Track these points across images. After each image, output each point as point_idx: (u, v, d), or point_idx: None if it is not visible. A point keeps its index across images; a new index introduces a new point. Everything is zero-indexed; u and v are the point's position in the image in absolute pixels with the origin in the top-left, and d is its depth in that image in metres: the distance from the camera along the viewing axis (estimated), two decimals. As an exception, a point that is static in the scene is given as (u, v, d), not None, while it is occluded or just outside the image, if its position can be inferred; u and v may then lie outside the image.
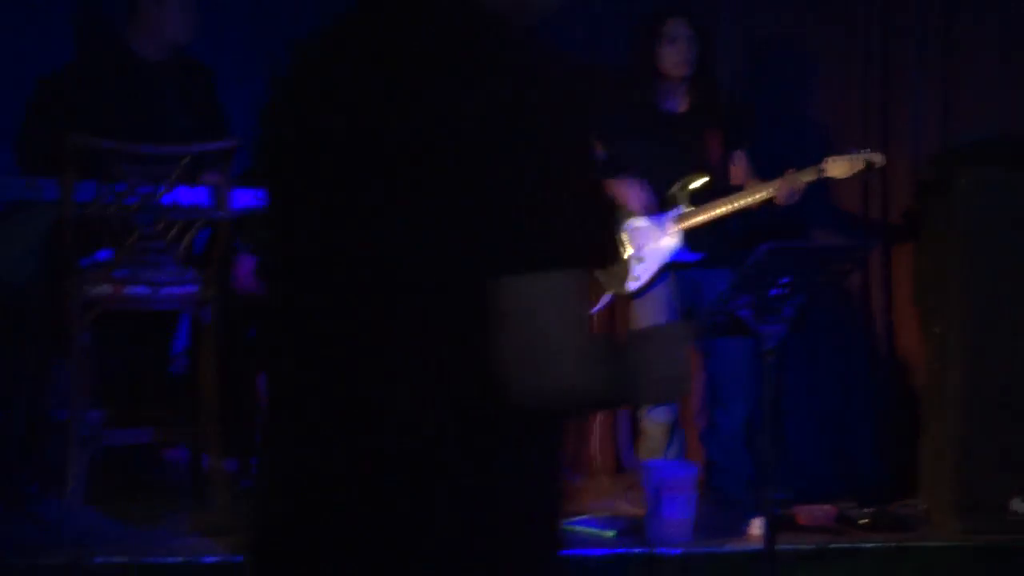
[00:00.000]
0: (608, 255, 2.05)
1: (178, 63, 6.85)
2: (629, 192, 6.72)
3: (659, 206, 6.78)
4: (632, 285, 6.82)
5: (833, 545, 6.21)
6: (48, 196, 5.98)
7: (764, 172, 6.83)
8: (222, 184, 6.12)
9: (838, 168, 6.57)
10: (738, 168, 6.90)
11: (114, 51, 6.83)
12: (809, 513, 6.53)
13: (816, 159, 6.66)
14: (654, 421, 6.91)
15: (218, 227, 6.18)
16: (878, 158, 6.67)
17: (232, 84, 7.18)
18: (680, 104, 6.88)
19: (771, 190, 6.59)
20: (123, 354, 6.90)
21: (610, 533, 6.28)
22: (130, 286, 6.08)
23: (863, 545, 6.26)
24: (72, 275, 6.01)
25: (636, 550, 6.11)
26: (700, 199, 6.73)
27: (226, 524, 6.07)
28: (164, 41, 6.76)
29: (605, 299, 7.02)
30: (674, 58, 6.76)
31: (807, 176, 6.56)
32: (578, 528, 6.31)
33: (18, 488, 6.52)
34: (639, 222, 6.79)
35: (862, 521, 6.52)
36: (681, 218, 6.75)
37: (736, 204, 6.68)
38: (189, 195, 6.10)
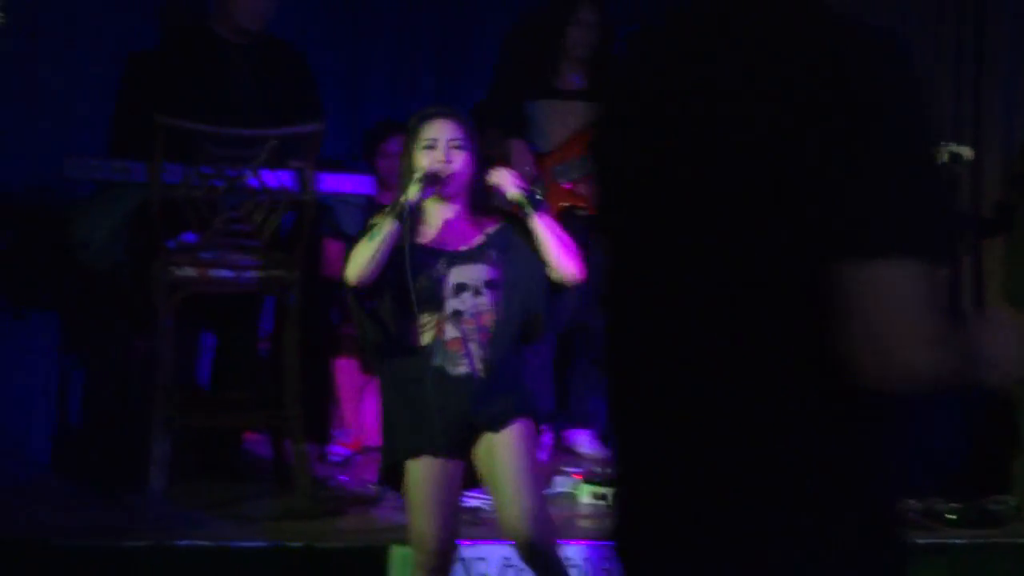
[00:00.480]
0: (950, 242, 2.04)
1: (265, 45, 6.82)
2: None
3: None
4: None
5: (920, 540, 6.04)
6: (136, 178, 5.99)
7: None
8: (308, 167, 6.08)
9: None
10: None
11: (199, 34, 6.81)
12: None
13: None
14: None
15: (303, 210, 6.14)
16: (966, 151, 6.58)
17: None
18: None
19: None
20: (207, 337, 6.87)
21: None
22: (215, 269, 6.06)
23: (951, 541, 6.14)
24: (158, 257, 5.99)
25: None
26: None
27: (307, 508, 6.06)
28: (246, 23, 6.73)
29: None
30: None
31: None
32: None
33: (103, 471, 6.50)
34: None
35: (950, 516, 6.36)
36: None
37: None
38: (275, 178, 6.06)
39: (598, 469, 7.03)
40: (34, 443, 6.69)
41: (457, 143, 4.87)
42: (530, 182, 4.90)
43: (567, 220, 7.09)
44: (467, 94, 7.99)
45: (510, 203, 5.00)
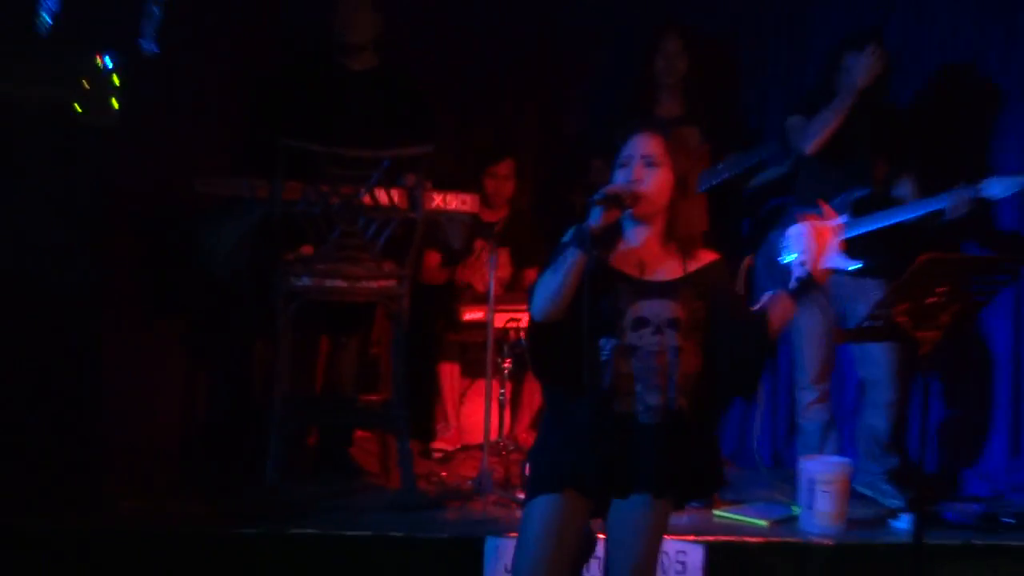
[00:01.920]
0: None
1: (381, 71, 7.02)
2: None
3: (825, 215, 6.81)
4: (793, 287, 6.87)
5: (977, 542, 6.16)
6: (260, 194, 6.19)
7: (921, 189, 6.83)
8: (417, 186, 6.27)
9: (996, 187, 6.55)
10: (904, 185, 6.89)
11: (320, 61, 7.01)
12: (957, 510, 6.51)
13: (976, 173, 6.64)
14: (810, 419, 6.95)
15: (413, 225, 6.31)
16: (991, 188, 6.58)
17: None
18: (852, 123, 6.91)
19: (940, 204, 6.58)
20: (322, 342, 7.10)
21: (764, 522, 6.30)
22: (330, 279, 6.25)
23: (1008, 543, 6.19)
24: (278, 267, 6.22)
25: (790, 539, 6.14)
26: (862, 211, 6.76)
27: (410, 501, 6.28)
28: (351, 38, 6.93)
29: (765, 297, 7.08)
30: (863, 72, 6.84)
31: (968, 193, 6.54)
32: (735, 516, 6.38)
33: (223, 463, 6.75)
34: (803, 228, 6.82)
35: (1007, 520, 6.46)
36: (843, 228, 6.77)
37: (899, 217, 6.68)
38: (387, 195, 6.24)
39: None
40: (164, 439, 6.90)
41: (652, 159, 4.36)
42: None
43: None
44: (575, 121, 8.19)
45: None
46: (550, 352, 4.31)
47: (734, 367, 4.37)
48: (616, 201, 4.24)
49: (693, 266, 4.43)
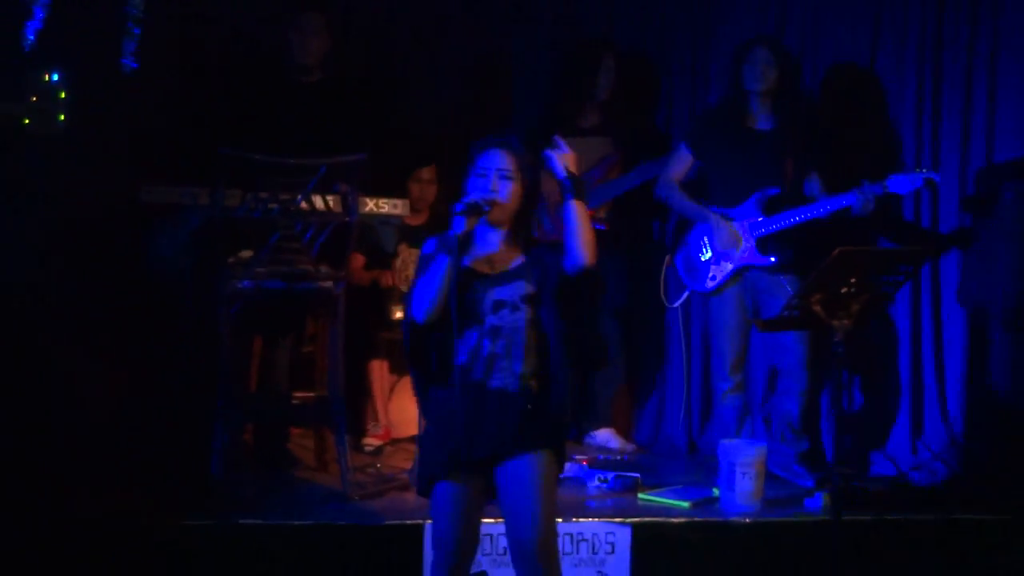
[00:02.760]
0: None
1: (325, 84, 7.17)
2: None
3: (737, 215, 7.06)
4: (709, 284, 7.12)
5: (888, 517, 6.39)
6: (201, 201, 6.30)
7: (830, 186, 7.08)
8: (352, 192, 6.41)
9: (900, 184, 6.79)
10: (812, 183, 7.13)
11: (267, 72, 7.18)
12: (865, 488, 6.76)
13: (877, 175, 6.87)
14: (728, 407, 7.19)
15: (347, 229, 6.44)
16: (936, 177, 6.87)
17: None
18: (765, 122, 7.18)
19: (848, 200, 6.82)
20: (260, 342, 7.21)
21: (687, 503, 6.50)
22: (269, 280, 6.36)
23: (916, 517, 6.43)
24: (220, 270, 6.34)
25: (711, 518, 6.36)
26: (774, 209, 6.99)
27: (349, 492, 6.40)
28: (302, 59, 7.10)
29: (685, 295, 7.34)
30: (754, 77, 7.10)
31: (875, 190, 6.79)
32: (658, 499, 6.59)
33: (172, 458, 6.80)
34: (719, 228, 7.06)
35: (912, 496, 6.75)
36: (756, 226, 7.01)
37: (809, 215, 6.94)
38: (322, 201, 6.38)
39: (601, 457, 7.46)
40: (105, 439, 6.80)
41: (506, 173, 4.75)
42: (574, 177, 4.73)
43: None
44: (494, 130, 8.22)
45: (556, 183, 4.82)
46: (427, 349, 4.78)
47: (569, 328, 4.80)
48: (476, 209, 4.69)
49: (533, 250, 4.88)
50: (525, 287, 4.76)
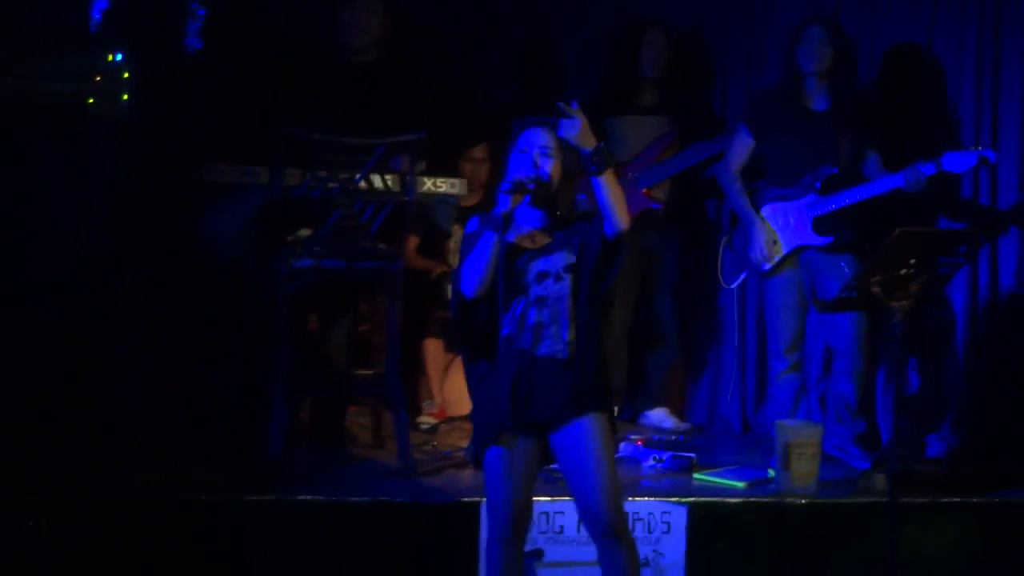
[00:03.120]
0: None
1: (379, 63, 7.14)
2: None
3: (794, 194, 7.04)
4: (766, 265, 7.10)
5: (943, 499, 6.40)
6: (261, 181, 6.35)
7: (889, 165, 7.03)
8: (410, 171, 6.43)
9: (955, 162, 6.75)
10: (870, 162, 7.09)
11: (318, 55, 7.15)
12: (922, 471, 6.76)
13: (934, 150, 6.83)
14: (782, 387, 7.18)
15: (406, 209, 6.48)
16: (991, 154, 6.79)
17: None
18: (821, 102, 7.14)
19: (898, 181, 6.80)
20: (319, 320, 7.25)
21: (742, 483, 6.49)
22: (329, 259, 6.39)
23: (971, 499, 6.43)
24: (279, 249, 6.37)
25: (767, 499, 6.35)
26: (830, 189, 6.97)
27: (407, 469, 6.44)
28: (354, 40, 7.06)
29: (743, 276, 7.33)
30: (808, 56, 7.07)
31: (928, 168, 6.77)
32: (714, 479, 6.59)
33: (232, 435, 6.88)
34: (776, 207, 7.05)
35: (969, 479, 6.70)
36: (813, 205, 6.99)
37: (865, 194, 6.91)
38: (380, 181, 6.41)
39: (656, 437, 7.46)
40: (170, 416, 7.05)
41: (548, 151, 4.85)
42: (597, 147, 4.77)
43: (646, 221, 7.53)
44: (548, 107, 8.30)
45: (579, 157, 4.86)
46: (475, 323, 4.88)
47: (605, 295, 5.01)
48: (521, 188, 4.77)
49: (573, 224, 4.97)
50: (566, 257, 4.86)
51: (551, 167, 4.87)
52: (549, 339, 4.84)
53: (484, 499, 5.72)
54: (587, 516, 4.90)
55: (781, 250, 7.04)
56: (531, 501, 5.01)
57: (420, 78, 7.29)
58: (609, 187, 4.77)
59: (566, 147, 4.88)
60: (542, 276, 4.85)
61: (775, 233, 7.05)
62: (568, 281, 4.85)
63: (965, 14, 7.67)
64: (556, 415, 4.86)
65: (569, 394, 4.84)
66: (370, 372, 6.92)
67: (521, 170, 4.83)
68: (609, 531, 4.84)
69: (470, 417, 5.28)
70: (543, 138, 4.89)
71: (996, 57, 7.60)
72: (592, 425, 4.85)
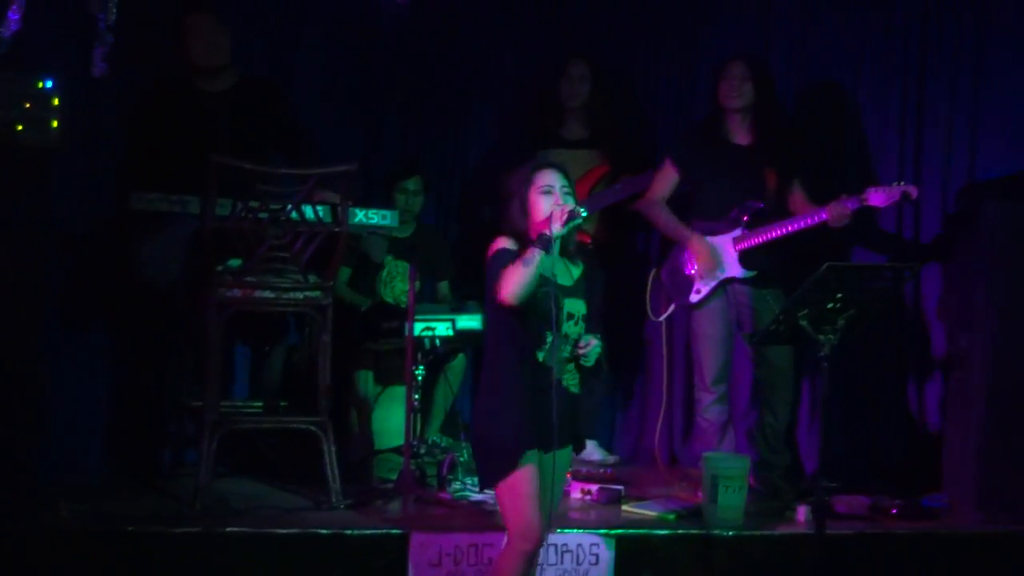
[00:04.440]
0: None
1: (241, 89, 7.09)
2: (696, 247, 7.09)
3: (720, 228, 7.07)
4: (694, 298, 7.11)
5: (868, 531, 6.45)
6: (192, 210, 6.28)
7: (814, 198, 7.08)
8: (343, 202, 6.39)
9: (878, 197, 6.80)
10: (795, 196, 7.14)
11: (180, 87, 7.06)
12: (846, 503, 6.76)
13: (858, 189, 6.88)
14: (709, 419, 7.18)
15: (337, 240, 6.42)
16: (913, 190, 6.83)
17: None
18: (744, 137, 7.19)
19: (823, 215, 6.84)
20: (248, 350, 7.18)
21: (671, 516, 6.48)
22: (259, 290, 6.33)
23: (896, 531, 6.50)
24: (209, 279, 6.29)
25: (695, 531, 6.33)
26: (756, 223, 7.00)
27: (336, 501, 6.38)
28: (204, 62, 6.99)
29: (671, 308, 7.33)
30: (728, 93, 7.12)
31: (852, 203, 6.81)
32: (642, 511, 6.58)
33: (156, 465, 6.81)
34: (699, 249, 7.07)
35: (892, 511, 6.74)
36: (739, 239, 7.02)
37: (790, 228, 6.94)
38: (312, 211, 6.35)
39: (584, 469, 7.44)
40: (92, 445, 6.97)
41: (567, 190, 5.15)
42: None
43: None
44: (475, 141, 8.38)
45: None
46: (514, 334, 5.08)
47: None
48: (574, 217, 5.04)
49: (576, 273, 5.30)
50: (585, 307, 5.22)
51: (574, 204, 5.13)
52: (569, 374, 5.14)
53: (412, 531, 5.75)
54: None
55: (722, 261, 7.05)
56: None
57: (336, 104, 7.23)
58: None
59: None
60: (570, 316, 5.11)
61: (714, 248, 7.06)
62: (581, 328, 5.16)
63: (891, 61, 7.85)
64: (565, 442, 5.15)
65: (573, 425, 5.27)
66: (300, 403, 6.83)
67: (557, 206, 5.06)
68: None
69: (478, 441, 5.21)
70: (561, 179, 5.19)
71: (920, 99, 7.77)
72: (570, 454, 5.35)
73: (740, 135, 7.17)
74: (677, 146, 7.40)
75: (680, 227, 7.17)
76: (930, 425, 7.55)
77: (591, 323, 5.28)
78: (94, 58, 5.66)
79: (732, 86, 7.10)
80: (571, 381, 5.16)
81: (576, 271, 5.26)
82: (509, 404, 5.07)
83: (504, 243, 5.12)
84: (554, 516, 5.19)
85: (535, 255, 4.94)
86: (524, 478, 4.99)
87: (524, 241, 5.06)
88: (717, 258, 7.04)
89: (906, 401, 7.70)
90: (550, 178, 5.16)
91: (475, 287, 7.60)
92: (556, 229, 4.97)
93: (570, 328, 5.10)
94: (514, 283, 4.93)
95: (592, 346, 5.10)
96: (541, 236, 4.99)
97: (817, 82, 7.92)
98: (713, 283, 7.06)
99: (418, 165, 7.92)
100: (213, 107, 6.98)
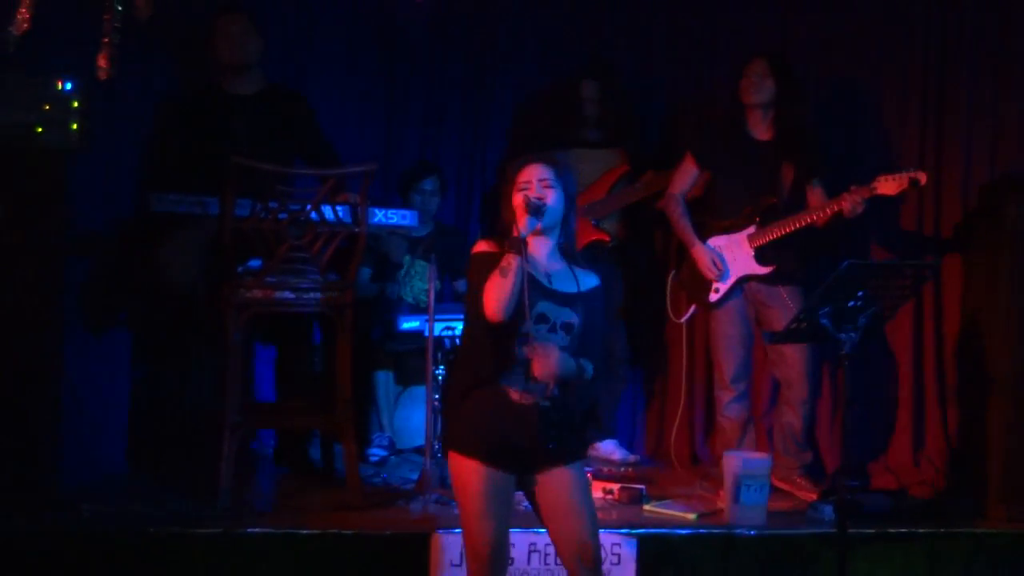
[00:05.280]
0: None
1: (269, 94, 7.14)
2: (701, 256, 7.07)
3: (735, 225, 7.05)
4: (713, 297, 7.09)
5: (891, 530, 6.40)
6: (212, 211, 6.29)
7: (830, 193, 7.03)
8: (361, 203, 6.37)
9: (887, 185, 6.75)
10: (814, 193, 7.10)
11: (208, 92, 7.12)
12: (870, 501, 6.74)
13: (869, 178, 6.84)
14: (729, 417, 7.16)
15: (356, 240, 6.41)
16: (922, 176, 6.78)
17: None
18: (764, 133, 7.16)
19: (836, 206, 6.82)
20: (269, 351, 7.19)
21: (692, 516, 6.47)
22: (279, 291, 6.33)
23: (918, 530, 6.43)
24: (229, 281, 6.30)
25: (717, 531, 6.31)
26: (772, 219, 6.98)
27: (357, 501, 6.37)
28: (232, 60, 7.04)
29: (691, 310, 7.32)
30: (748, 89, 7.10)
31: (861, 193, 6.78)
32: (663, 510, 6.56)
33: (177, 466, 6.82)
34: (719, 240, 7.05)
35: (915, 510, 6.71)
36: (754, 236, 7.00)
37: (804, 221, 6.93)
38: (331, 212, 6.34)
39: (605, 468, 7.43)
40: (113, 445, 6.98)
41: (547, 182, 4.89)
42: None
43: (595, 251, 7.51)
44: (493, 143, 8.39)
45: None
46: (491, 348, 4.84)
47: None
48: (536, 209, 4.83)
49: (584, 285, 4.99)
50: (570, 316, 4.91)
51: (554, 196, 4.92)
52: (528, 383, 4.86)
53: (435, 532, 5.81)
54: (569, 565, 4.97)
55: (723, 271, 7.03)
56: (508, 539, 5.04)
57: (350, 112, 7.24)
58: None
59: (569, 178, 5.00)
60: (541, 319, 4.87)
61: (715, 255, 7.04)
62: (560, 338, 4.90)
63: (911, 51, 7.80)
64: (529, 459, 4.96)
65: (544, 444, 4.91)
66: (320, 403, 6.82)
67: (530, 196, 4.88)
68: None
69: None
70: (541, 171, 4.94)
71: (940, 93, 7.70)
72: (569, 475, 4.98)
73: (760, 131, 7.14)
74: (697, 141, 7.37)
75: (688, 232, 7.15)
76: (952, 423, 7.49)
77: (582, 341, 4.91)
78: (97, 61, 5.64)
79: (752, 83, 7.08)
80: (518, 387, 4.84)
81: (588, 281, 5.00)
82: (466, 398, 4.91)
83: (481, 247, 4.95)
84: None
85: (510, 263, 4.71)
86: (469, 492, 4.85)
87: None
88: (719, 267, 7.02)
89: (925, 401, 7.64)
90: (529, 173, 4.95)
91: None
92: (522, 228, 4.79)
93: (540, 333, 4.82)
94: (493, 298, 4.72)
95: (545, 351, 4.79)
96: (512, 239, 4.78)
97: (836, 75, 7.90)
98: (730, 281, 7.03)
99: (434, 165, 7.93)
100: (238, 110, 7.00)
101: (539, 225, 4.84)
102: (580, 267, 5.01)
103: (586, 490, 4.96)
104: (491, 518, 4.80)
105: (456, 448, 4.90)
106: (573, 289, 4.93)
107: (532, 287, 4.78)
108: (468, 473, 4.85)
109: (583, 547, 4.85)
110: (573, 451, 4.94)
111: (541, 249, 4.97)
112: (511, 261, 4.71)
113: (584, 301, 4.92)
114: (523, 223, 4.79)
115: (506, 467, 4.85)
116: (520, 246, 4.72)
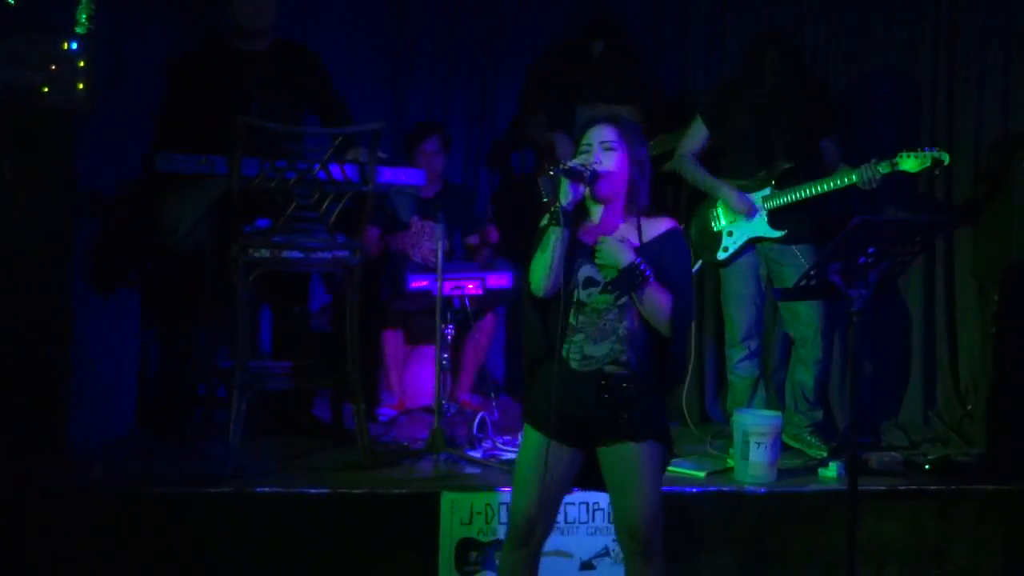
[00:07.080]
0: None
1: (275, 49, 7.06)
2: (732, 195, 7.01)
3: (749, 188, 7.01)
4: (721, 255, 7.06)
5: (901, 487, 6.38)
6: (219, 171, 6.23)
7: (845, 160, 7.03)
8: (369, 162, 6.33)
9: (909, 163, 6.73)
10: (828, 157, 7.07)
11: (217, 47, 7.04)
12: (879, 459, 6.72)
13: (891, 151, 6.79)
14: (740, 376, 7.13)
15: (364, 199, 6.37)
16: (945, 157, 6.73)
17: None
18: (776, 98, 7.08)
19: (853, 177, 6.77)
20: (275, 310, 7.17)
21: (701, 474, 6.45)
22: (287, 250, 6.29)
23: (928, 487, 6.42)
24: (237, 240, 6.26)
25: (726, 489, 6.30)
26: (786, 182, 6.94)
27: (366, 460, 6.36)
28: (250, 24, 6.95)
29: (697, 265, 7.28)
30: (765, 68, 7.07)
31: (883, 168, 6.74)
32: (674, 469, 6.50)
33: (186, 426, 6.82)
34: (732, 196, 7.01)
35: (926, 467, 6.70)
36: (768, 198, 6.96)
37: (820, 188, 6.87)
38: (338, 171, 6.30)
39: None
40: (123, 405, 6.95)
41: (608, 144, 4.65)
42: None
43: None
44: (504, 104, 8.37)
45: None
46: (540, 321, 4.71)
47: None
48: (575, 175, 4.55)
49: (650, 234, 4.70)
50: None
51: (613, 159, 4.65)
52: (582, 351, 4.74)
53: (443, 491, 5.85)
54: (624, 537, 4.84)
55: (755, 208, 6.99)
56: (552, 514, 4.92)
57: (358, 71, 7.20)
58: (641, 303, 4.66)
59: (636, 140, 4.73)
60: (588, 282, 4.71)
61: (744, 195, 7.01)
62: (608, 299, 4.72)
63: (922, 17, 7.79)
64: (591, 431, 4.81)
65: (606, 417, 4.76)
66: (329, 363, 6.80)
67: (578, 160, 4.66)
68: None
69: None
70: (605, 132, 4.68)
71: (951, 57, 7.72)
72: (634, 453, 4.81)
73: (771, 95, 7.08)
74: (709, 103, 7.32)
75: (708, 177, 7.09)
76: (960, 383, 7.47)
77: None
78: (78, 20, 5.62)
79: (768, 56, 7.02)
80: (575, 356, 4.68)
81: (654, 231, 4.71)
82: (534, 388, 4.81)
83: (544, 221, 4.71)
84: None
85: (552, 235, 4.56)
86: (529, 441, 4.77)
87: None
88: (748, 202, 6.98)
89: (936, 360, 7.61)
90: (591, 134, 4.70)
91: (507, 242, 7.65)
92: (560, 196, 4.56)
93: (590, 297, 4.67)
94: (533, 273, 4.62)
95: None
96: (552, 211, 4.59)
97: (847, 40, 7.87)
98: (741, 241, 7.00)
99: (436, 124, 7.90)
100: (248, 67, 6.95)
101: (587, 192, 4.62)
102: (650, 221, 4.73)
103: (649, 471, 4.74)
104: (529, 491, 4.70)
105: (526, 420, 4.82)
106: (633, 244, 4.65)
107: (580, 253, 4.65)
108: (525, 444, 4.78)
109: (632, 526, 4.70)
110: (637, 427, 4.69)
111: (599, 213, 4.75)
112: (552, 235, 4.56)
113: (645, 253, 4.62)
114: (562, 192, 4.56)
115: (571, 442, 4.72)
116: (559, 217, 4.52)
